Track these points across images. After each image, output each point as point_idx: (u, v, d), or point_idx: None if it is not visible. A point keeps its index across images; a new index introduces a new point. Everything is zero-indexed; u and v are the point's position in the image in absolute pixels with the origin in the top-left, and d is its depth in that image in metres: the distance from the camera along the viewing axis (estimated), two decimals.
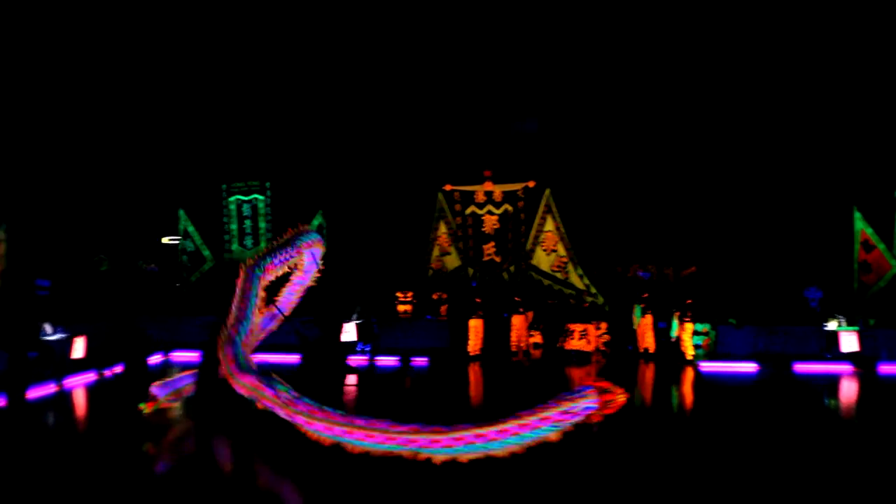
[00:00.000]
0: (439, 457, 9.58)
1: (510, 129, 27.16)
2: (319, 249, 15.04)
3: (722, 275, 24.27)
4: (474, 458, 9.49)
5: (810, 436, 13.23)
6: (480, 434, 9.36)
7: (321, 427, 10.32)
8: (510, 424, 9.31)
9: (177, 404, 14.91)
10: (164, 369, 20.50)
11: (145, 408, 14.44)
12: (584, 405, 9.33)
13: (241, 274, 13.15)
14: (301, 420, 10.54)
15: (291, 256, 14.40)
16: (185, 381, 14.94)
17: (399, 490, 9.88)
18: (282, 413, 10.84)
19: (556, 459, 10.11)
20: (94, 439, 13.38)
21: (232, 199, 28.26)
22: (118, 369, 19.48)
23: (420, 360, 21.07)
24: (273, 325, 15.38)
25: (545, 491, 9.93)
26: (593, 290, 24.92)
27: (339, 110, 27.65)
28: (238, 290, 12.93)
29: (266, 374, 11.67)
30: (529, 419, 9.30)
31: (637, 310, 22.01)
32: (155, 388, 14.64)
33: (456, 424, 9.57)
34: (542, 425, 9.28)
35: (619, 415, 9.70)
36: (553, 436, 9.34)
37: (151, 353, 21.07)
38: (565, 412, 9.29)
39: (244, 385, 11.58)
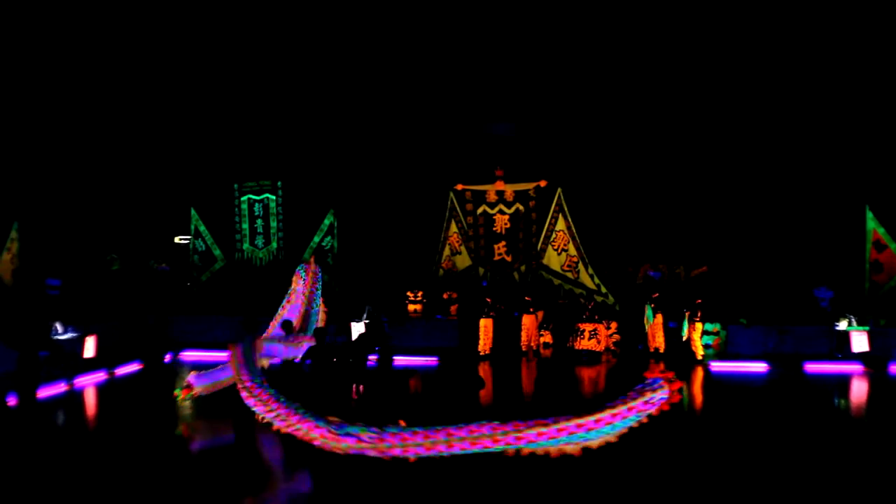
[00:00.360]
0: (546, 449, 9.90)
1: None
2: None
3: (732, 274, 24.21)
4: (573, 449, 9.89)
5: (821, 436, 13.19)
6: (581, 424, 9.81)
7: (422, 450, 10.17)
8: (604, 414, 9.84)
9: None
10: (175, 368, 20.58)
11: (180, 394, 14.93)
12: (660, 396, 9.91)
13: (232, 350, 13.14)
14: (398, 451, 10.25)
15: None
16: (222, 375, 15.10)
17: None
18: (373, 453, 10.41)
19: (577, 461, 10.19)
20: (104, 438, 13.45)
21: (244, 198, 28.30)
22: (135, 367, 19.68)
23: None
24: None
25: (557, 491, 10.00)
26: (604, 290, 24.84)
27: (350, 110, 27.69)
28: (234, 365, 12.84)
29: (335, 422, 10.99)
30: (620, 409, 9.85)
31: (649, 310, 21.96)
32: (192, 378, 15.01)
33: (557, 417, 9.91)
34: (630, 414, 9.84)
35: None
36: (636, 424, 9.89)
37: (170, 350, 21.19)
38: (646, 402, 9.85)
39: (344, 447, 10.70)
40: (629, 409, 9.86)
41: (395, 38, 26.78)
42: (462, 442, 10.01)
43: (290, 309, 16.24)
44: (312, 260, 17.06)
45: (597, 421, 9.84)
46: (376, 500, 10.25)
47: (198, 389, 14.94)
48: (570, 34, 26.00)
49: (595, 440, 9.87)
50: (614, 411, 9.87)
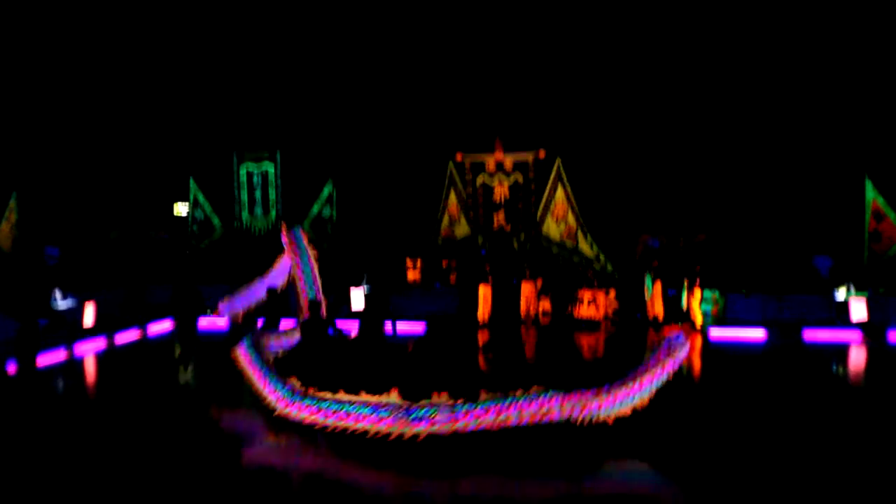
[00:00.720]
0: (608, 414, 10.46)
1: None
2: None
3: (732, 243, 24.19)
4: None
5: (819, 404, 13.22)
6: (630, 388, 10.46)
7: (494, 426, 10.34)
8: (646, 376, 10.52)
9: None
10: (174, 336, 20.64)
11: (218, 317, 16.07)
12: (684, 351, 10.81)
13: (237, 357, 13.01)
14: (472, 428, 10.38)
15: None
16: (248, 300, 15.32)
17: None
18: (447, 433, 10.43)
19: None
20: (104, 406, 13.47)
21: (242, 168, 28.23)
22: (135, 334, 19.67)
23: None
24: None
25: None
26: (603, 259, 24.85)
27: (349, 79, 27.61)
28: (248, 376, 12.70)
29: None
30: (656, 370, 10.55)
31: (648, 278, 21.96)
32: (222, 304, 15.61)
33: (610, 385, 10.49)
34: (665, 373, 10.61)
35: None
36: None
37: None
38: (675, 360, 10.68)
39: (418, 431, 10.56)
40: (663, 369, 10.55)
41: (393, 6, 26.67)
42: (533, 416, 10.31)
43: (274, 274, 16.34)
44: (284, 227, 17.05)
45: (640, 385, 10.46)
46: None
47: (227, 314, 15.34)
48: (569, 3, 25.91)
49: (637, 402, 10.49)
50: (652, 373, 10.51)
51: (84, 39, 26.54)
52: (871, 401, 13.69)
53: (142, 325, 20.81)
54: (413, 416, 10.41)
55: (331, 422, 10.95)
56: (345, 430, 10.79)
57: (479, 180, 26.71)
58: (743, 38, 25.05)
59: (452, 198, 26.96)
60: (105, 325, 19.98)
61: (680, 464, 10.00)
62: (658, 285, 21.77)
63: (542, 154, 25.98)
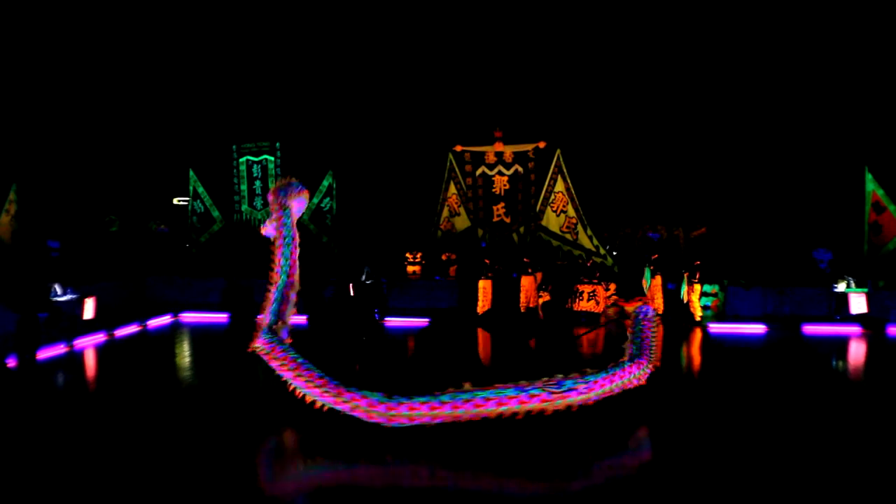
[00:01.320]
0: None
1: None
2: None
3: (731, 236, 24.22)
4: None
5: (818, 398, 13.23)
6: (650, 356, 11.87)
7: (596, 398, 10.79)
8: (653, 345, 11.98)
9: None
10: (174, 330, 20.63)
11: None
12: (657, 319, 12.38)
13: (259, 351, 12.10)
14: (597, 398, 10.79)
15: None
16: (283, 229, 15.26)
17: None
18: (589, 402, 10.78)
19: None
20: (104, 400, 13.46)
21: (242, 159, 28.19)
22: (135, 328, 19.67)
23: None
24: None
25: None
26: (602, 252, 24.87)
27: (349, 70, 27.59)
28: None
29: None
30: (659, 335, 12.13)
31: (647, 271, 21.98)
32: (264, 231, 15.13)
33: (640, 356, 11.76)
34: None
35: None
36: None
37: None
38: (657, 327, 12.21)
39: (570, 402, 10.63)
40: (659, 342, 12.08)
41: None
42: (623, 385, 11.22)
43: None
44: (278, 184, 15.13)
45: (653, 353, 11.92)
46: None
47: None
48: None
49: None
50: (654, 340, 11.99)
51: (84, 32, 26.49)
52: (870, 393, 13.70)
53: (142, 319, 20.81)
54: (564, 388, 10.51)
55: (462, 412, 10.27)
56: (486, 417, 10.32)
57: (479, 171, 26.71)
58: (742, 32, 25.03)
59: (452, 189, 26.98)
60: (105, 319, 19.99)
61: (680, 454, 10.05)
62: (658, 279, 21.81)
63: (542, 145, 25.97)
